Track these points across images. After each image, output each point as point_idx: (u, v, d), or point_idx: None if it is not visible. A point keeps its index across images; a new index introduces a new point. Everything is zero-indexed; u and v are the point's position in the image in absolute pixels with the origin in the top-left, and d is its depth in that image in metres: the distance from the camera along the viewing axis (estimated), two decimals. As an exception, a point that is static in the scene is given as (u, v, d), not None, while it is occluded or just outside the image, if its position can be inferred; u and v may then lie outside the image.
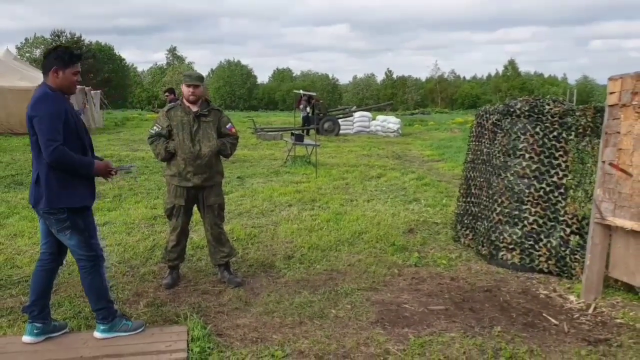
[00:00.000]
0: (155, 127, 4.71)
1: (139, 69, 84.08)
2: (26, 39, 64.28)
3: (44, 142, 3.24)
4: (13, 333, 3.75)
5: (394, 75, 79.08)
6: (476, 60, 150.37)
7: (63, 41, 61.59)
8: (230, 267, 5.00)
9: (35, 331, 3.52)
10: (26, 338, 3.52)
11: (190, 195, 4.73)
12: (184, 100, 4.71)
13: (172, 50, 79.85)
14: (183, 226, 4.80)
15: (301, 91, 23.17)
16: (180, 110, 4.68)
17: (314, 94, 21.57)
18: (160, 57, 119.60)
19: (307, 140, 13.28)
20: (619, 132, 4.36)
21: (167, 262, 4.88)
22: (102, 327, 3.60)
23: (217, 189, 4.85)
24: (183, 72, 4.90)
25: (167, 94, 12.92)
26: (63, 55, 3.40)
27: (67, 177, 3.40)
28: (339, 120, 21.88)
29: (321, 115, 21.15)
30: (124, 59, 71.30)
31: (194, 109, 4.67)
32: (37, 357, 3.34)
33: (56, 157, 3.25)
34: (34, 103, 3.30)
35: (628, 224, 4.23)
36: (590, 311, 4.34)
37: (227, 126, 4.83)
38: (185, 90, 4.66)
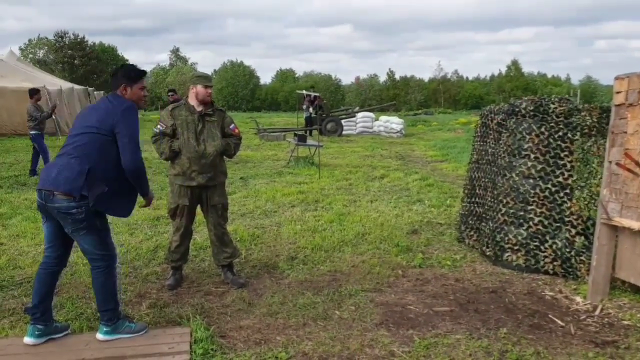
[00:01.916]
0: (159, 126, 4.68)
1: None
2: (30, 40, 64.39)
3: (132, 149, 3.46)
4: (15, 334, 3.73)
5: (397, 76, 79.02)
6: (479, 60, 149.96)
7: (66, 42, 61.72)
8: (234, 267, 4.97)
9: (36, 333, 3.49)
10: (27, 339, 3.49)
11: (194, 195, 4.70)
12: (189, 100, 4.69)
13: (175, 51, 79.94)
14: (187, 226, 4.77)
15: (304, 91, 23.13)
16: (184, 110, 4.66)
17: (317, 94, 21.49)
18: (164, 58, 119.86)
19: (310, 141, 13.25)
20: (625, 132, 4.31)
21: (170, 262, 4.85)
22: (105, 329, 3.57)
23: (221, 189, 4.83)
24: (194, 73, 4.88)
25: (170, 93, 12.93)
26: (130, 72, 3.65)
27: (123, 191, 3.54)
28: (342, 121, 21.84)
29: (324, 115, 21.11)
30: (127, 60, 71.49)
31: (199, 108, 4.65)
32: (38, 359, 3.31)
33: (139, 167, 3.52)
34: (126, 109, 3.50)
35: (635, 224, 4.18)
36: (596, 313, 4.30)
37: (231, 126, 4.81)
38: (202, 91, 4.64)
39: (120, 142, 3.44)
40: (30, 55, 60.53)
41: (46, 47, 62.62)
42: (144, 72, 3.74)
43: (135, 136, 3.50)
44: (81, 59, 61.04)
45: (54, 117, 19.15)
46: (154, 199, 3.95)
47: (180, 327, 3.85)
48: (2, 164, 12.18)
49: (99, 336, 3.57)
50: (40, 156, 10.93)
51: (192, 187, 4.66)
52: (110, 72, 3.90)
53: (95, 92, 25.06)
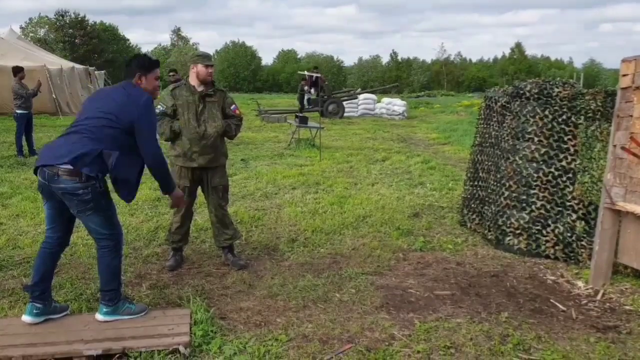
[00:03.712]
0: (159, 107, 4.62)
1: (144, 50, 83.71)
2: (30, 19, 63.86)
3: (153, 143, 3.49)
4: (14, 314, 3.72)
5: (399, 57, 78.47)
6: (484, 42, 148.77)
7: (67, 21, 61.25)
8: (234, 249, 4.95)
9: (35, 311, 3.48)
10: (26, 318, 3.48)
11: (195, 176, 4.67)
12: (190, 80, 4.62)
13: (177, 31, 79.31)
14: (187, 208, 4.74)
15: (305, 72, 22.94)
16: (185, 90, 4.60)
17: (318, 74, 21.31)
18: (166, 39, 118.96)
19: (311, 123, 13.17)
20: (631, 116, 4.25)
21: (170, 244, 4.83)
22: (105, 309, 3.55)
23: (222, 170, 4.79)
24: (194, 52, 4.80)
25: (171, 73, 12.82)
26: (144, 62, 3.66)
27: (133, 176, 3.53)
28: (344, 103, 21.69)
29: (325, 97, 20.97)
30: (128, 40, 70.92)
31: (200, 88, 4.59)
32: (37, 339, 3.30)
33: (161, 160, 3.56)
34: (146, 102, 3.50)
35: (639, 209, 4.15)
36: (598, 297, 4.28)
37: (232, 107, 4.75)
38: (203, 70, 4.57)
39: (141, 137, 3.45)
40: (31, 34, 60.06)
41: (47, 26, 62.15)
42: (158, 62, 3.75)
43: (155, 130, 3.53)
44: (82, 38, 60.58)
45: (54, 96, 19.10)
46: (181, 195, 3.92)
47: (180, 308, 3.84)
48: (2, 143, 12.14)
49: (99, 317, 3.55)
50: (23, 136, 10.82)
51: (193, 169, 4.62)
52: (124, 62, 3.88)
53: (96, 72, 24.89)
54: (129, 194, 3.58)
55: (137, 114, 3.43)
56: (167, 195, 3.91)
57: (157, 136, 3.60)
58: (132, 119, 3.41)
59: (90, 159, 3.30)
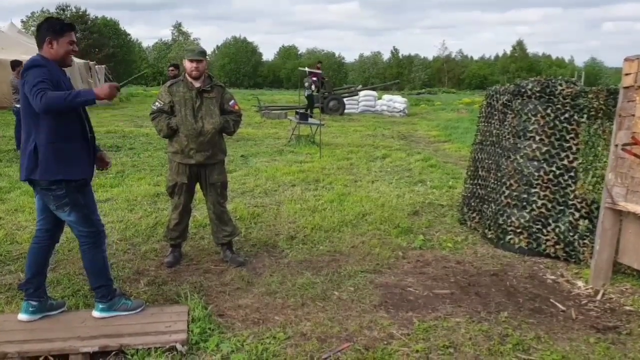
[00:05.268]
0: (157, 103, 4.60)
1: (145, 45, 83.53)
2: (32, 13, 63.79)
3: (30, 91, 3.08)
4: (11, 310, 3.69)
5: (400, 54, 78.36)
6: (485, 40, 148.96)
7: (68, 15, 61.10)
8: (233, 246, 4.93)
9: (30, 309, 3.46)
10: (21, 316, 3.46)
11: (193, 173, 4.64)
12: (187, 76, 4.59)
13: (178, 26, 79.10)
14: (185, 204, 4.71)
15: (307, 68, 22.87)
16: (182, 86, 4.56)
17: (320, 71, 21.23)
18: (168, 34, 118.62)
19: (311, 120, 13.13)
20: (633, 115, 4.22)
21: (169, 240, 4.81)
22: (100, 306, 3.53)
23: (220, 166, 4.75)
24: (185, 47, 4.76)
25: (171, 68, 12.73)
26: (55, 25, 3.36)
27: (65, 149, 3.30)
28: (344, 99, 21.64)
29: (326, 94, 20.90)
30: (129, 34, 70.76)
31: (197, 84, 4.55)
32: (34, 335, 3.27)
33: (46, 102, 3.05)
34: (23, 69, 3.27)
35: (640, 209, 4.12)
36: (598, 297, 4.26)
37: (230, 103, 4.71)
38: (188, 65, 4.53)
39: (28, 98, 3.14)
40: (32, 28, 59.95)
41: (47, 20, 61.97)
42: (71, 25, 3.42)
43: (33, 78, 3.11)
44: (82, 33, 60.45)
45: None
46: (107, 89, 3.28)
47: (178, 305, 3.82)
48: (1, 137, 12.10)
49: (95, 314, 3.53)
50: None
51: (191, 165, 4.59)
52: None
53: (96, 67, 24.83)
54: (77, 170, 3.35)
55: (21, 77, 3.26)
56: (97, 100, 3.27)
57: (44, 81, 3.12)
58: (22, 85, 3.21)
59: (34, 163, 3.24)
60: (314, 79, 20.29)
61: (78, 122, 3.38)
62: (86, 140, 3.45)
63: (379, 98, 23.03)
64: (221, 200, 4.78)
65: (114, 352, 3.20)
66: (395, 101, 22.09)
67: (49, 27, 3.34)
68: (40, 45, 3.36)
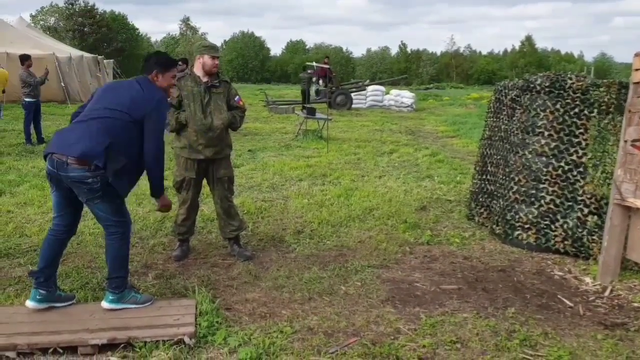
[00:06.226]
0: None
1: (153, 39, 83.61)
2: (42, 7, 63.89)
3: (158, 138, 3.49)
4: (20, 302, 3.71)
5: (409, 49, 78.03)
6: (494, 35, 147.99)
7: (76, 9, 61.25)
8: (240, 240, 4.94)
9: (38, 297, 3.49)
10: (29, 303, 3.50)
11: (201, 168, 4.64)
12: (195, 71, 4.59)
13: (186, 21, 79.03)
14: (193, 199, 4.73)
15: (314, 63, 22.83)
16: (190, 81, 4.56)
17: (327, 66, 21.18)
18: (175, 28, 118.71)
19: (318, 114, 13.12)
20: (643, 111, 4.19)
21: (176, 235, 4.83)
22: (111, 297, 3.55)
23: (227, 161, 4.76)
24: (200, 42, 4.74)
25: (180, 63, 12.72)
26: (163, 60, 3.72)
27: (132, 167, 3.49)
28: (352, 94, 21.58)
29: (334, 88, 20.87)
30: (137, 29, 70.88)
31: (204, 79, 4.55)
32: (43, 327, 3.30)
33: (159, 156, 3.53)
34: (160, 100, 3.58)
35: (650, 205, 4.09)
36: (606, 294, 4.24)
37: (236, 98, 4.72)
38: (209, 62, 4.53)
39: (148, 132, 3.46)
40: (42, 22, 60.17)
41: (57, 14, 62.19)
42: (176, 62, 3.83)
43: (162, 130, 3.54)
44: (91, 27, 60.58)
45: (62, 85, 19.13)
46: (168, 202, 3.75)
47: (186, 299, 3.83)
48: (11, 131, 12.17)
49: (104, 304, 3.55)
50: (32, 124, 10.85)
51: (199, 160, 4.59)
52: (144, 57, 3.92)
53: (105, 61, 24.89)
54: (124, 188, 3.51)
55: (149, 110, 3.46)
56: (154, 198, 3.75)
57: (164, 136, 3.59)
58: (143, 114, 3.44)
59: (100, 149, 3.28)
60: (310, 72, 20.35)
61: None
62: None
63: (387, 93, 22.93)
64: (228, 195, 4.79)
65: (122, 345, 3.21)
66: (403, 96, 22.01)
67: (158, 62, 3.69)
68: (147, 73, 3.68)
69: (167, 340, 3.23)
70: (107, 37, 60.27)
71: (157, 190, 3.65)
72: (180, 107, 4.55)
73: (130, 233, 3.63)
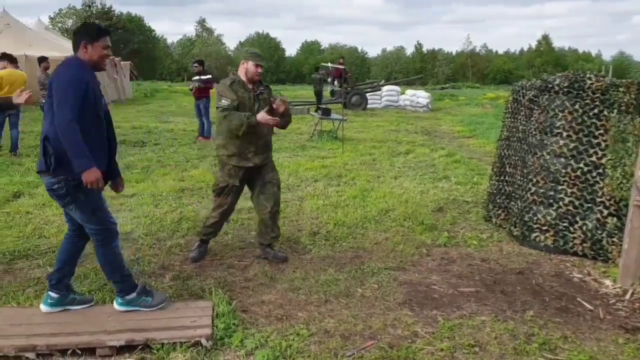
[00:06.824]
0: (223, 101, 4.43)
1: (169, 41, 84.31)
2: (60, 10, 64.77)
3: (61, 107, 3.13)
4: (39, 304, 3.75)
5: (424, 49, 77.75)
6: (510, 34, 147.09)
7: (94, 11, 61.93)
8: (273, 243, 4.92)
9: (49, 301, 3.51)
10: (41, 306, 3.54)
11: (245, 175, 4.63)
12: (240, 75, 4.56)
13: (202, 22, 79.58)
14: (230, 205, 4.72)
15: (329, 64, 22.82)
16: (240, 86, 4.52)
17: (342, 67, 21.16)
18: (191, 30, 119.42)
19: (333, 115, 13.10)
20: (665, 111, 4.12)
21: (201, 235, 4.82)
22: (120, 301, 3.57)
23: (272, 164, 4.78)
24: (248, 48, 4.70)
25: (195, 65, 12.77)
26: (91, 30, 3.42)
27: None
28: (367, 94, 21.54)
29: (349, 89, 20.84)
30: (153, 30, 71.46)
31: (249, 86, 4.55)
32: (61, 328, 3.33)
33: (64, 129, 3.10)
34: (57, 68, 3.32)
35: (672, 207, 4.02)
36: (627, 297, 4.17)
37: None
38: (252, 69, 4.51)
39: (55, 104, 3.18)
40: (60, 24, 60.90)
41: (74, 17, 62.90)
42: (106, 30, 3.48)
43: (68, 97, 3.14)
44: (108, 29, 61.21)
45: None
46: (94, 176, 3.18)
47: (203, 300, 3.84)
48: (30, 133, 12.30)
49: (115, 306, 3.58)
50: None
51: (247, 168, 4.57)
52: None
53: (122, 62, 25.09)
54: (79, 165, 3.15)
55: (53, 75, 3.29)
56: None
57: (71, 107, 3.14)
58: (51, 82, 3.25)
59: (44, 148, 3.22)
60: (322, 72, 20.32)
61: (94, 125, 3.36)
62: (102, 142, 3.44)
63: (402, 93, 22.86)
64: (279, 199, 4.77)
65: (140, 347, 3.23)
66: (419, 96, 21.90)
67: (85, 32, 3.40)
68: (76, 49, 3.39)
69: (184, 342, 3.24)
70: (124, 38, 60.78)
71: (77, 164, 3.13)
72: (238, 109, 4.44)
73: (113, 238, 3.51)
